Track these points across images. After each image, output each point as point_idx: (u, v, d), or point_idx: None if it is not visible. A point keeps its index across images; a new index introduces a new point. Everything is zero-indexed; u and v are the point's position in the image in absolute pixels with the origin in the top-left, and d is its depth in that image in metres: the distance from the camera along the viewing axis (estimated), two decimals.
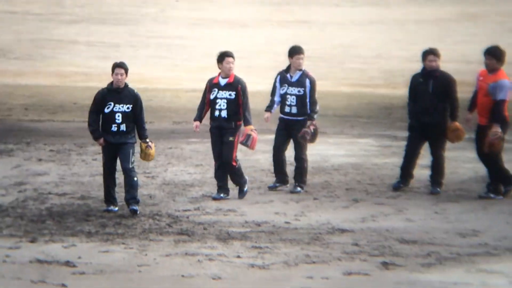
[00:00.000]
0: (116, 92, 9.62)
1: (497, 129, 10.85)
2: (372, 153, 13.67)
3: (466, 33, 27.07)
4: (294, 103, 10.92)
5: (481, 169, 12.77)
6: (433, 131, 11.17)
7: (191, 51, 23.20)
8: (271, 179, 11.80)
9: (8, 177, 11.44)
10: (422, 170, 11.64)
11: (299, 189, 10.98)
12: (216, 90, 10.38)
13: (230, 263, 8.61)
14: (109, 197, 9.86)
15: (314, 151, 13.06)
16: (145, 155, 9.64)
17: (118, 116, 9.51)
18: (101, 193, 10.86)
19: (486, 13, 30.29)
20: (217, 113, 10.37)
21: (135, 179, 9.59)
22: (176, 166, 12.15)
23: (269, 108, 11.16)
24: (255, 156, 12.93)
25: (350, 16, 29.29)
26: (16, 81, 18.69)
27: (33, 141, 13.55)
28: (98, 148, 13.55)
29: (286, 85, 10.96)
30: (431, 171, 11.34)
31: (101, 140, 9.57)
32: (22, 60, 21.28)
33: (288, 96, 10.94)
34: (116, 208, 9.78)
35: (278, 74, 11.13)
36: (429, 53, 11.15)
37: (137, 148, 9.89)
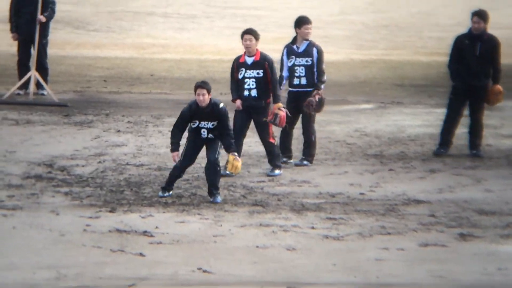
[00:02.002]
0: (201, 111, 9.20)
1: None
2: None
3: None
4: (303, 74, 10.67)
5: None
6: (478, 94, 11.08)
7: (266, 22, 23.13)
8: (346, 150, 11.74)
9: (88, 148, 11.70)
10: (503, 140, 11.37)
11: (306, 162, 10.77)
12: (244, 69, 10.13)
13: (304, 234, 8.63)
14: (170, 185, 9.71)
15: (390, 122, 12.91)
16: (232, 167, 9.37)
17: (204, 131, 9.29)
18: None
19: None
20: (246, 92, 10.11)
21: (218, 168, 9.38)
22: (250, 137, 12.17)
23: (279, 85, 10.78)
24: (330, 127, 12.86)
25: None
26: (95, 53, 19.02)
27: (111, 113, 13.80)
28: (174, 120, 13.72)
29: (294, 56, 10.71)
30: (469, 134, 11.26)
31: (175, 154, 9.27)
32: (100, 32, 21.63)
33: (296, 67, 10.69)
34: (171, 193, 9.63)
35: (284, 47, 10.85)
36: (474, 15, 11.14)
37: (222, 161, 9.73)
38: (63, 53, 18.38)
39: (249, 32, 10.12)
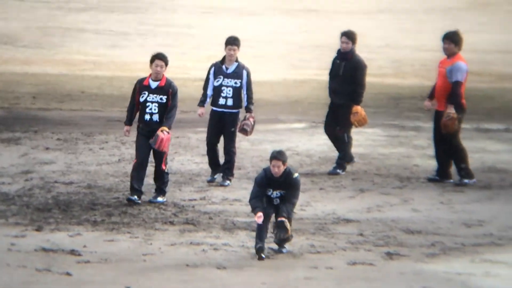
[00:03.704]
0: (275, 181, 8.40)
1: (450, 110, 10.93)
2: (379, 143, 13.65)
3: (475, 22, 26.90)
4: (230, 95, 10.68)
5: (488, 159, 12.74)
6: (339, 112, 11.46)
7: (199, 40, 23.17)
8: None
9: (15, 165, 11.48)
10: (429, 160, 11.62)
11: (228, 182, 10.81)
12: (146, 93, 9.88)
13: (235, 252, 8.62)
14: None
15: (321, 141, 13.05)
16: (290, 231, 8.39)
17: (277, 200, 8.45)
18: (107, 182, 10.89)
19: (496, 2, 30.10)
20: (147, 116, 9.86)
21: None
22: (182, 155, 12.15)
23: (202, 103, 10.86)
24: (262, 146, 12.93)
25: (359, 5, 29.16)
26: (24, 69, 18.71)
27: (40, 130, 13.58)
28: (104, 138, 13.60)
29: (222, 76, 10.71)
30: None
31: (260, 215, 8.42)
32: (30, 48, 21.30)
33: (223, 87, 10.68)
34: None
35: (212, 66, 10.85)
36: (343, 35, 11.50)
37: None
38: None
39: (161, 58, 9.92)
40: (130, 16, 25.94)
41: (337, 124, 11.58)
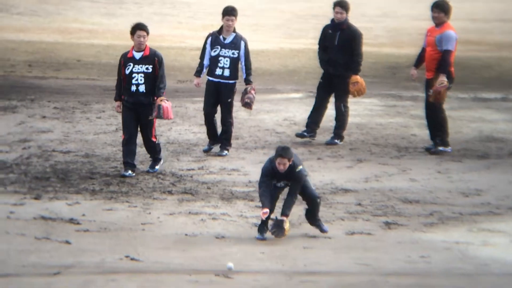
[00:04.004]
0: (279, 174, 8.26)
1: (443, 78, 10.92)
2: (376, 112, 13.64)
3: None
4: (228, 66, 10.61)
5: (486, 129, 12.74)
6: (336, 82, 11.36)
7: (195, 9, 23.01)
8: (275, 138, 11.80)
9: (12, 133, 11.44)
10: (427, 130, 11.63)
11: (226, 152, 10.76)
12: (131, 64, 9.75)
13: (233, 222, 8.65)
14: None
15: None
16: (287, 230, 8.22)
17: (281, 184, 8.37)
18: (104, 151, 10.88)
19: None
20: (134, 88, 9.71)
21: (319, 200, 8.51)
22: (180, 125, 12.12)
23: (198, 73, 10.78)
24: (260, 116, 12.91)
25: None
26: (19, 37, 18.58)
27: (37, 98, 13.53)
28: (101, 106, 13.56)
29: (219, 46, 10.61)
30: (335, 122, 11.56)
31: (266, 211, 8.24)
32: (25, 15, 21.13)
33: (220, 58, 10.59)
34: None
35: (209, 36, 10.72)
36: (337, 5, 11.37)
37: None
38: None
39: (143, 28, 9.77)
40: None
41: (330, 94, 11.48)
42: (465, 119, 13.17)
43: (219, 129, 10.98)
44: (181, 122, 11.78)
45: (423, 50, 11.23)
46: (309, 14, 22.50)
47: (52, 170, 10.00)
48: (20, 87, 14.34)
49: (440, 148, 11.14)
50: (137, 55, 9.83)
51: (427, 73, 11.18)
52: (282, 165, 8.23)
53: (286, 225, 8.25)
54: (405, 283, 7.56)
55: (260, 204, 9.14)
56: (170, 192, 9.46)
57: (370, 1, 25.33)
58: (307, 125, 11.53)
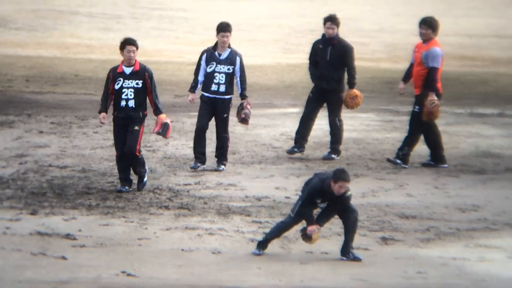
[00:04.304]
0: (333, 196, 8.12)
1: (433, 98, 11.00)
2: (373, 127, 13.65)
3: (469, 7, 26.88)
4: (223, 81, 10.62)
5: (482, 144, 12.76)
6: (329, 97, 11.42)
7: (193, 24, 23.08)
8: (272, 153, 11.81)
9: (9, 148, 11.44)
10: (423, 146, 11.64)
11: (223, 167, 10.77)
12: (121, 79, 9.74)
13: (230, 237, 8.64)
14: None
15: (315, 126, 13.05)
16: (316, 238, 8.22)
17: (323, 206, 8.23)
18: (101, 166, 10.88)
19: None
20: (123, 103, 9.71)
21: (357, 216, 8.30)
22: (177, 140, 12.12)
23: (193, 89, 10.79)
24: (256, 131, 12.92)
25: None
26: (17, 52, 18.62)
27: (34, 113, 13.54)
28: (98, 122, 13.53)
29: (214, 62, 10.65)
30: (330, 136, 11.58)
31: (315, 227, 8.19)
32: (23, 30, 21.19)
33: (216, 74, 10.62)
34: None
35: (204, 52, 10.77)
36: (327, 20, 11.42)
37: None
38: None
39: (132, 43, 9.77)
40: None
41: (319, 109, 11.47)
42: (461, 134, 13.18)
43: (212, 145, 10.97)
44: (178, 136, 11.79)
45: (411, 66, 11.33)
46: (307, 29, 22.58)
47: (49, 185, 9.99)
48: (18, 102, 14.35)
49: (399, 161, 11.15)
50: (127, 70, 9.82)
51: (415, 89, 11.26)
52: (343, 188, 8.11)
53: (316, 235, 8.14)
54: None
55: (256, 219, 9.12)
56: (166, 207, 9.45)
57: (367, 16, 25.42)
58: (296, 141, 11.57)
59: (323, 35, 11.49)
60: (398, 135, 13.02)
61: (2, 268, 7.64)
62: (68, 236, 8.44)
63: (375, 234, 8.86)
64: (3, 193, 9.64)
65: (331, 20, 11.39)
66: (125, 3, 25.50)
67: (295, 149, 11.56)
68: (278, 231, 8.33)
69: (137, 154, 9.86)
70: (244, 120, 10.83)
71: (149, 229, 8.77)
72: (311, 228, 8.14)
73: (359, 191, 10.29)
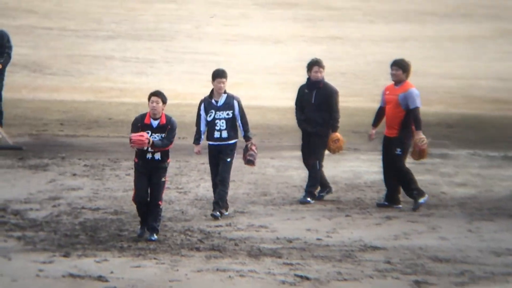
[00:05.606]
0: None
1: (421, 136, 11.11)
2: None
3: (500, 50, 26.81)
4: (224, 127, 10.61)
5: None
6: (313, 140, 11.43)
7: (224, 67, 23.31)
8: (303, 195, 11.77)
9: (43, 191, 11.56)
10: (456, 188, 11.54)
11: (226, 213, 10.65)
12: (150, 132, 9.66)
13: (261, 279, 8.59)
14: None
15: (347, 168, 13.02)
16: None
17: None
18: (133, 208, 10.90)
19: None
20: (149, 155, 9.63)
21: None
22: (208, 181, 12.15)
23: (197, 141, 10.77)
24: (288, 172, 12.92)
25: (384, 33, 29.20)
26: (52, 97, 18.91)
27: (67, 156, 13.69)
28: (131, 164, 13.65)
29: (213, 110, 10.64)
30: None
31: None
32: (58, 75, 21.54)
33: (216, 121, 10.62)
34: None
35: (201, 102, 10.75)
36: (314, 65, 11.48)
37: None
38: (19, 96, 18.23)
39: (157, 95, 9.68)
40: (157, 44, 26.19)
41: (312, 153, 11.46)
42: (496, 177, 13.05)
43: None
44: (209, 178, 11.80)
45: (381, 109, 11.37)
46: (337, 71, 22.66)
47: (81, 227, 10.05)
48: (52, 146, 14.53)
49: (421, 200, 11.13)
50: (154, 123, 9.69)
51: (387, 130, 11.28)
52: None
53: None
54: None
55: (287, 261, 9.06)
56: (197, 249, 9.44)
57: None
58: (320, 185, 11.57)
59: (308, 79, 11.55)
60: (431, 178, 12.94)
61: None
62: (100, 278, 8.46)
63: (408, 277, 8.76)
64: (36, 236, 9.71)
65: (318, 64, 11.50)
66: (158, 47, 25.86)
67: (322, 194, 11.56)
68: None
69: (160, 203, 9.76)
70: (249, 162, 10.82)
71: (180, 271, 8.77)
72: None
73: (391, 233, 10.20)
